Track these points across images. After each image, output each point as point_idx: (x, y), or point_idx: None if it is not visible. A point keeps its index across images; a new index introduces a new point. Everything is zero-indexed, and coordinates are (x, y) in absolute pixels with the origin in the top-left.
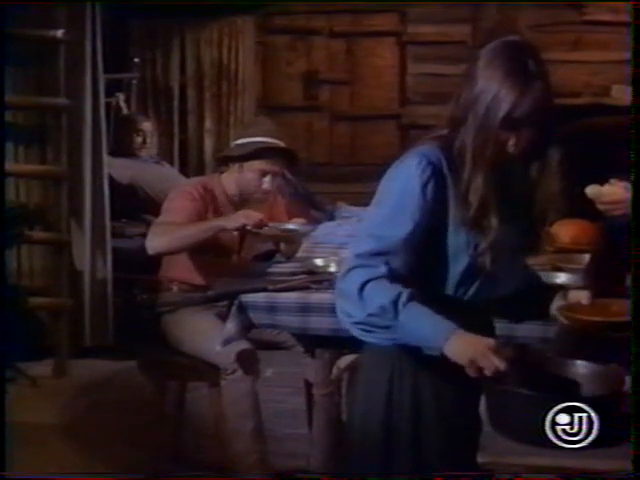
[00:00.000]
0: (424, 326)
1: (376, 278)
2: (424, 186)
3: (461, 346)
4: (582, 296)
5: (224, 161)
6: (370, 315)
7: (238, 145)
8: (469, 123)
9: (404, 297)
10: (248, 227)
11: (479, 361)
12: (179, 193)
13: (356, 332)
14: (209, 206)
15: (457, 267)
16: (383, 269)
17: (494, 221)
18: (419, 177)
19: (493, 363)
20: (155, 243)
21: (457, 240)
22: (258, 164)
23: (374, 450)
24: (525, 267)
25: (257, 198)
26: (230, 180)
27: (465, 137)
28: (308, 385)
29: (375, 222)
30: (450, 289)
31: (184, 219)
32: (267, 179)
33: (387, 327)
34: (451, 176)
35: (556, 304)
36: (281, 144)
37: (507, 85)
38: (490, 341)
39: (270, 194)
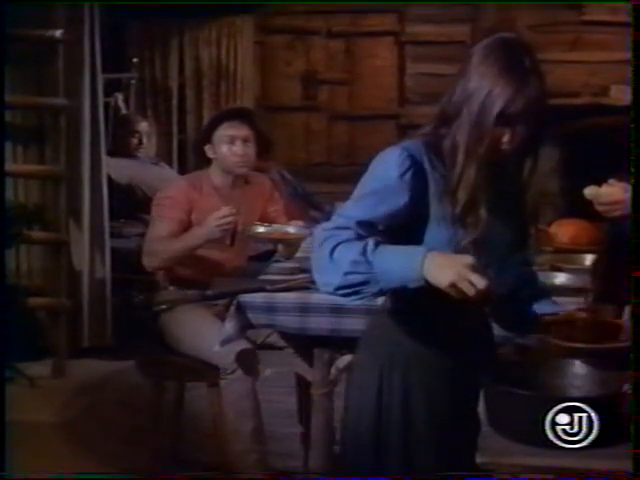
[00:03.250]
0: (398, 260)
1: (344, 241)
2: (401, 176)
3: (439, 268)
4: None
5: (198, 145)
6: (346, 274)
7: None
8: (463, 119)
9: (370, 245)
10: (226, 228)
11: (459, 283)
12: (164, 200)
13: (342, 298)
14: (194, 205)
15: None
16: (351, 234)
17: (482, 217)
18: (397, 167)
19: (473, 283)
20: (149, 263)
21: (439, 236)
22: (223, 131)
23: (367, 451)
24: (523, 269)
25: (238, 172)
26: (215, 168)
27: (457, 133)
28: (299, 379)
29: (348, 205)
30: None
31: (167, 233)
32: (238, 144)
33: (366, 281)
34: (433, 172)
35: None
36: (238, 106)
37: (502, 82)
38: (468, 259)
39: (249, 162)
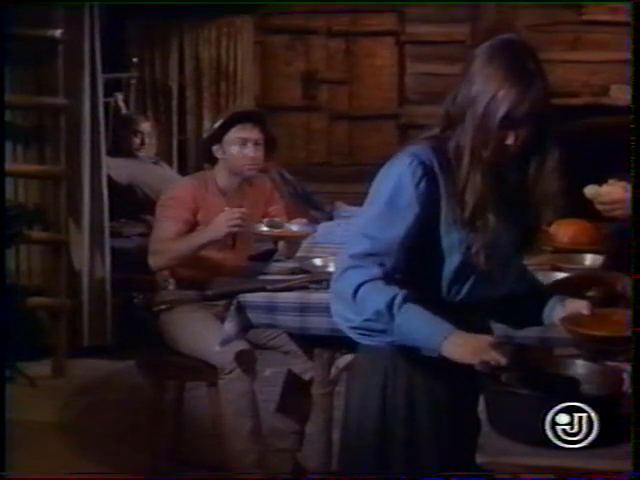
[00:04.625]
0: (420, 328)
1: (370, 280)
2: (416, 185)
3: (460, 346)
4: (582, 306)
5: (207, 145)
6: (366, 320)
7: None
8: (467, 122)
9: (399, 299)
10: (237, 228)
11: (481, 357)
12: (169, 200)
13: (354, 336)
14: (200, 204)
15: (449, 266)
16: (377, 270)
17: (490, 220)
18: (411, 176)
19: (495, 358)
20: (154, 264)
21: (449, 239)
22: (235, 133)
23: (368, 451)
24: (522, 268)
25: (248, 174)
26: (221, 169)
27: (462, 136)
28: (290, 376)
29: (369, 222)
30: (443, 288)
31: (174, 233)
32: (249, 146)
33: (384, 331)
34: (443, 176)
35: (555, 313)
36: (250, 109)
37: (508, 84)
38: (489, 338)
39: (258, 165)
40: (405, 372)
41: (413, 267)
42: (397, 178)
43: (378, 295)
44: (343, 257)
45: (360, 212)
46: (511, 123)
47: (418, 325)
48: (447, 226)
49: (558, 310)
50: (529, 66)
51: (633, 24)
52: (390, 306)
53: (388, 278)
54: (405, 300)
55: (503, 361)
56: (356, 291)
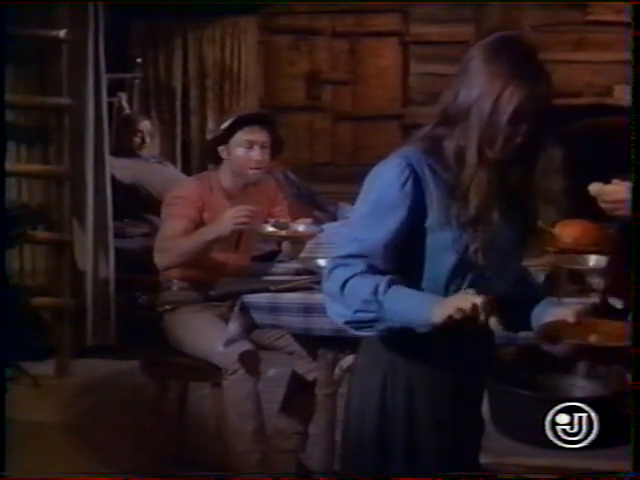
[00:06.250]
0: (409, 305)
1: (356, 274)
2: (402, 187)
3: (445, 304)
4: (568, 313)
5: (212, 146)
6: (357, 312)
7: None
8: (472, 121)
9: (383, 285)
10: (244, 226)
11: (457, 303)
12: (175, 199)
13: (351, 330)
14: (205, 204)
15: (444, 265)
16: (363, 266)
17: (494, 219)
18: (397, 178)
19: (470, 300)
20: (161, 262)
21: (441, 238)
22: (242, 136)
23: (369, 451)
24: (522, 270)
25: (252, 177)
26: (225, 170)
27: (465, 135)
28: (294, 377)
29: (355, 224)
30: (440, 287)
31: (181, 231)
32: (256, 149)
33: (375, 320)
34: (435, 178)
35: (542, 318)
36: (258, 111)
37: (514, 82)
38: (471, 291)
39: (263, 167)
40: (404, 372)
41: (402, 267)
42: (384, 180)
43: (363, 286)
44: (330, 259)
45: (350, 215)
46: (519, 120)
47: (406, 303)
48: (439, 228)
49: (547, 315)
50: (534, 61)
51: (633, 24)
52: (375, 292)
53: (374, 272)
54: (390, 284)
55: (478, 301)
56: (343, 287)
